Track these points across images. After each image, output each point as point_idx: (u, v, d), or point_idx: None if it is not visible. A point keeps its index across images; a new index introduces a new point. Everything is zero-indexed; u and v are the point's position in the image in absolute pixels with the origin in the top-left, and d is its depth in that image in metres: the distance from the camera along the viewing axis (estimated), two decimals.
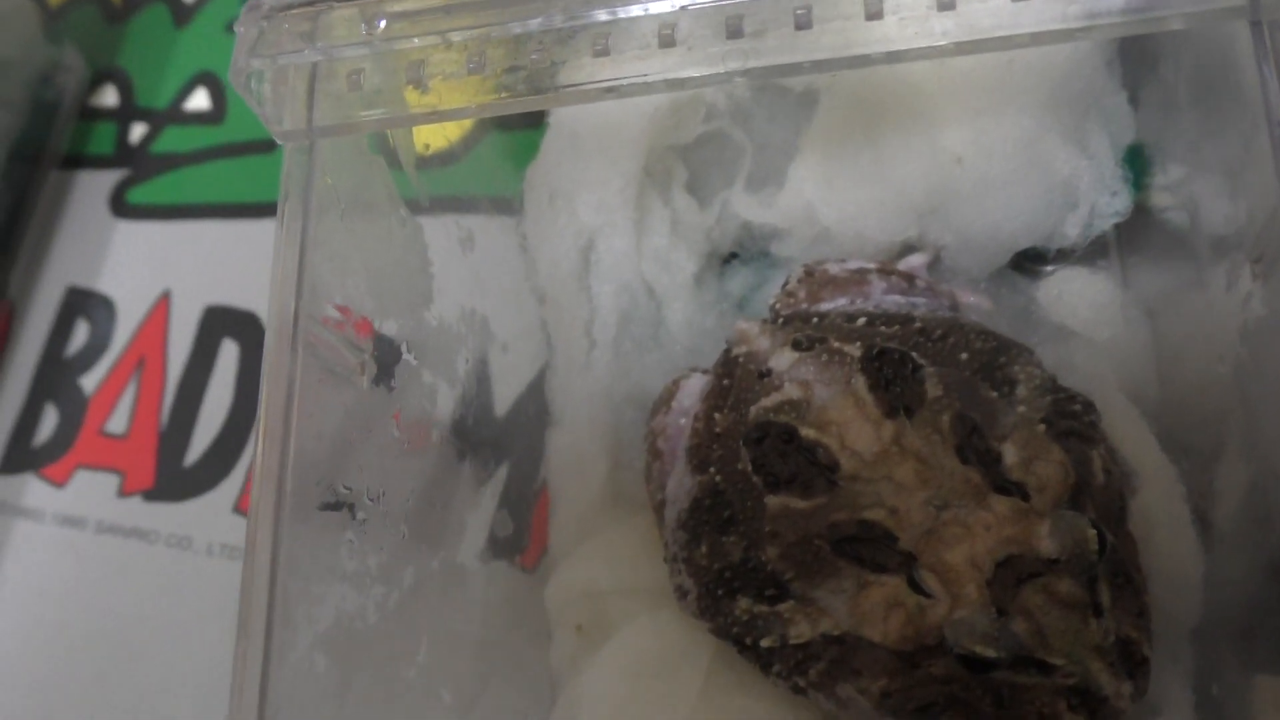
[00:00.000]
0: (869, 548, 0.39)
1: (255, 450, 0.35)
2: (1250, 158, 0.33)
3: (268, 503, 0.35)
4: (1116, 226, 0.48)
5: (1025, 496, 0.38)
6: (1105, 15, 0.33)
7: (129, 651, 0.59)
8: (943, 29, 0.33)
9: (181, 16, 0.74)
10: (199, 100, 0.71)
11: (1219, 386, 0.40)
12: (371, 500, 0.39)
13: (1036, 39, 0.33)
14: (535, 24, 0.35)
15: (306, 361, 0.36)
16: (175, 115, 0.71)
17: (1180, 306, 0.44)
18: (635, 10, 0.35)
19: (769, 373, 0.44)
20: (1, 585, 0.62)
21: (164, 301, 0.66)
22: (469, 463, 0.49)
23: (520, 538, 0.53)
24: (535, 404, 0.54)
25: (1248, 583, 0.39)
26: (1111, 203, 0.47)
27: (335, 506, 0.37)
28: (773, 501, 0.41)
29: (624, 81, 0.36)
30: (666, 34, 0.35)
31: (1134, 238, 0.49)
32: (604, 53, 0.35)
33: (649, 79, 0.35)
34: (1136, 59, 0.47)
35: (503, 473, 0.52)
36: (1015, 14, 0.33)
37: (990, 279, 0.50)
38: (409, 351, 0.43)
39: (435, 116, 0.37)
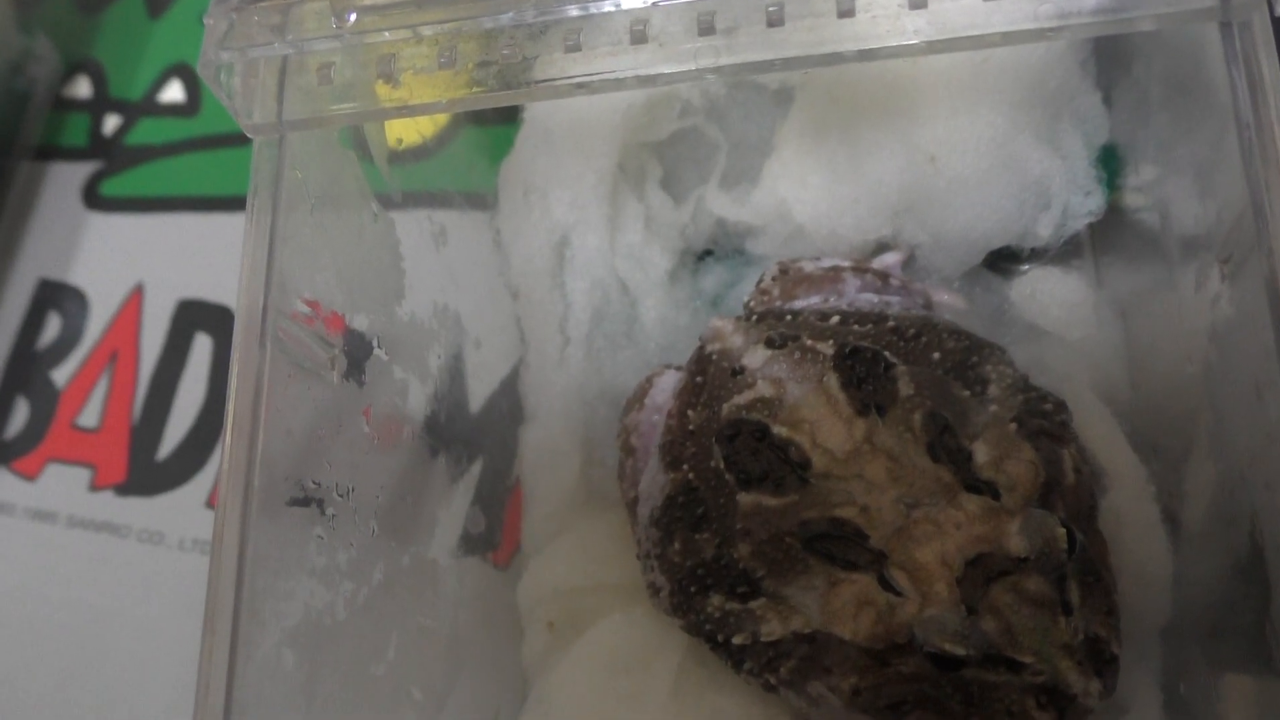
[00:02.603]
0: (840, 545, 0.39)
1: (223, 446, 0.35)
2: (1220, 159, 0.33)
3: (235, 499, 0.34)
4: (1090, 226, 0.48)
5: (996, 495, 0.38)
6: (1076, 15, 0.33)
7: (101, 646, 0.59)
8: (914, 27, 0.33)
9: (156, 7, 0.73)
10: (173, 92, 0.71)
11: (1189, 387, 0.40)
12: (341, 496, 0.39)
13: (1008, 38, 0.33)
14: (506, 19, 0.35)
15: (275, 357, 0.36)
16: (149, 107, 0.71)
17: (1152, 307, 0.44)
18: (607, 6, 0.34)
19: (742, 370, 0.44)
20: None
21: (137, 294, 0.66)
22: (442, 459, 0.49)
23: (493, 534, 0.53)
24: (509, 400, 0.54)
25: (1215, 582, 0.40)
26: (1085, 203, 0.47)
27: (304, 502, 0.37)
28: (745, 499, 0.41)
29: (596, 78, 0.35)
30: (639, 30, 0.34)
31: (1108, 237, 0.49)
32: (576, 48, 0.35)
33: (620, 75, 0.35)
34: (1111, 59, 0.47)
35: (476, 469, 0.52)
36: (987, 13, 0.33)
37: (964, 278, 0.50)
38: (380, 347, 0.42)
39: (406, 111, 0.37)
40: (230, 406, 0.35)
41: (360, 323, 0.41)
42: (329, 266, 0.39)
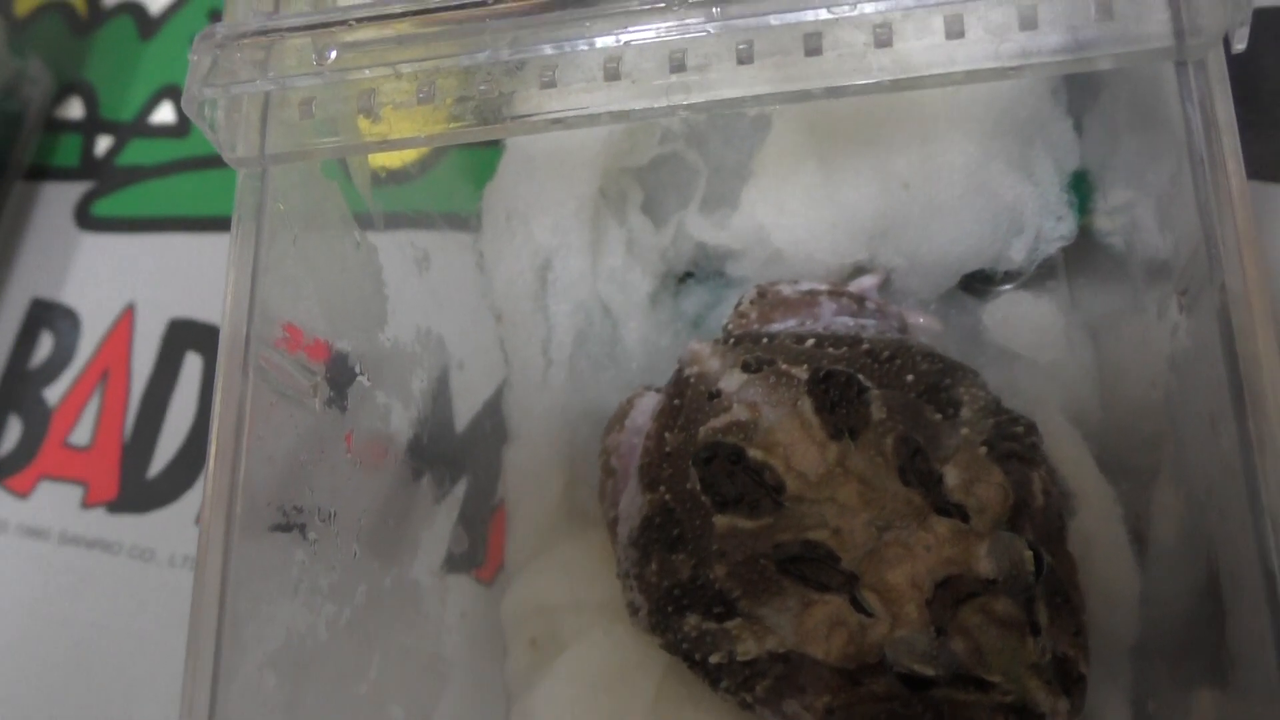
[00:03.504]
0: (812, 567, 0.40)
1: (206, 473, 0.36)
2: (1177, 192, 0.34)
3: (218, 525, 0.35)
4: (1063, 251, 0.49)
5: (965, 518, 0.39)
6: (1037, 55, 0.33)
7: (92, 661, 0.60)
8: (879, 65, 0.34)
9: (147, 29, 0.74)
10: (164, 114, 0.72)
11: (1154, 411, 0.41)
12: (323, 521, 0.40)
13: (971, 77, 0.34)
14: (483, 57, 0.35)
15: (258, 385, 0.36)
16: (140, 128, 0.71)
17: (1121, 330, 0.45)
18: (581, 45, 0.35)
19: (719, 394, 0.45)
20: None
21: (128, 314, 0.67)
22: (426, 480, 0.50)
23: (477, 552, 0.54)
24: (493, 421, 0.55)
25: (1180, 602, 0.40)
26: (1056, 227, 0.48)
27: (286, 528, 0.38)
28: (720, 521, 0.42)
29: (571, 113, 0.36)
30: (611, 67, 0.35)
31: (1080, 262, 0.50)
32: (551, 84, 0.36)
33: (594, 111, 0.36)
34: (1081, 87, 0.48)
35: (460, 489, 0.53)
36: (950, 52, 0.34)
37: (940, 300, 0.51)
38: (362, 373, 0.43)
39: (386, 145, 0.38)
40: (213, 434, 0.36)
41: (343, 349, 0.42)
42: (312, 295, 0.40)
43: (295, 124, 0.38)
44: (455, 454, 0.52)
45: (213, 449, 0.36)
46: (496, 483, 0.55)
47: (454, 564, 0.52)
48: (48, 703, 0.59)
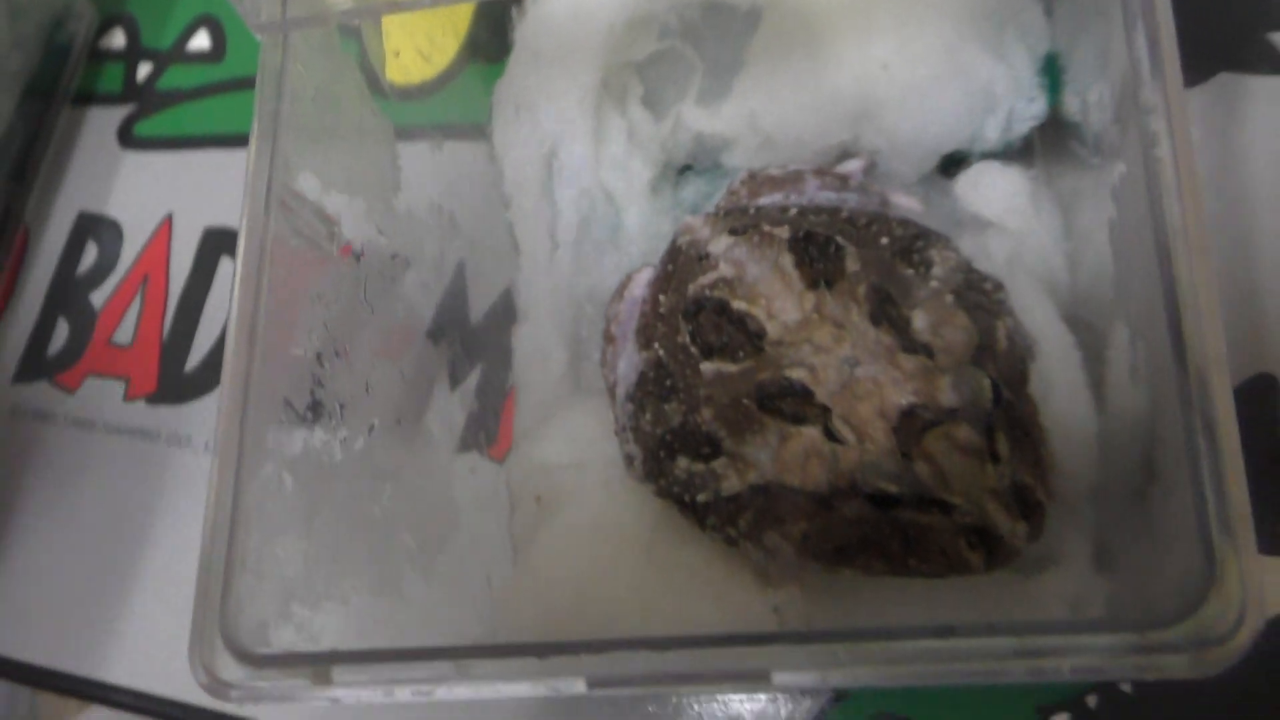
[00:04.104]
0: (790, 403, 0.43)
1: (231, 299, 0.39)
2: (1111, 30, 0.37)
3: (242, 344, 0.39)
4: (1036, 130, 0.52)
5: (931, 356, 0.42)
6: None
7: (134, 535, 0.64)
8: None
9: None
10: (200, 41, 0.76)
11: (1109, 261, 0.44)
12: (338, 356, 0.43)
13: None
14: None
15: (279, 224, 0.40)
16: (178, 55, 0.76)
17: (1086, 204, 0.48)
18: None
19: (707, 255, 0.48)
20: (19, 480, 0.67)
21: (167, 224, 0.71)
22: (443, 348, 0.53)
23: (490, 432, 0.57)
24: (505, 308, 0.58)
25: (1132, 443, 0.43)
26: (1028, 108, 0.51)
27: (303, 355, 0.41)
28: (707, 368, 0.45)
29: None
30: None
31: (1051, 142, 0.52)
32: None
33: None
34: None
35: (475, 377, 0.56)
36: None
37: (921, 183, 0.54)
38: (381, 233, 0.47)
39: (396, 6, 0.41)
40: (239, 264, 0.40)
41: (358, 206, 0.45)
42: (329, 150, 0.43)
43: None
44: (471, 334, 0.55)
45: (238, 276, 0.39)
46: (509, 371, 0.58)
47: (466, 444, 0.55)
48: (93, 574, 0.64)
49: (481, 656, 0.35)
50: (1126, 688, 0.50)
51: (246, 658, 0.36)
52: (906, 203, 0.53)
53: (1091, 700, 0.50)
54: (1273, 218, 0.53)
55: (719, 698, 0.52)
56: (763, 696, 0.53)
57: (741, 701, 0.52)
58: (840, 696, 0.53)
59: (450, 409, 0.55)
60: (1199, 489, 0.30)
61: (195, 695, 0.58)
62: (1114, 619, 0.31)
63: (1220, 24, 0.56)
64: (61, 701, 0.67)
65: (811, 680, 0.33)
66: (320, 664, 0.35)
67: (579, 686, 0.34)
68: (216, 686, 0.36)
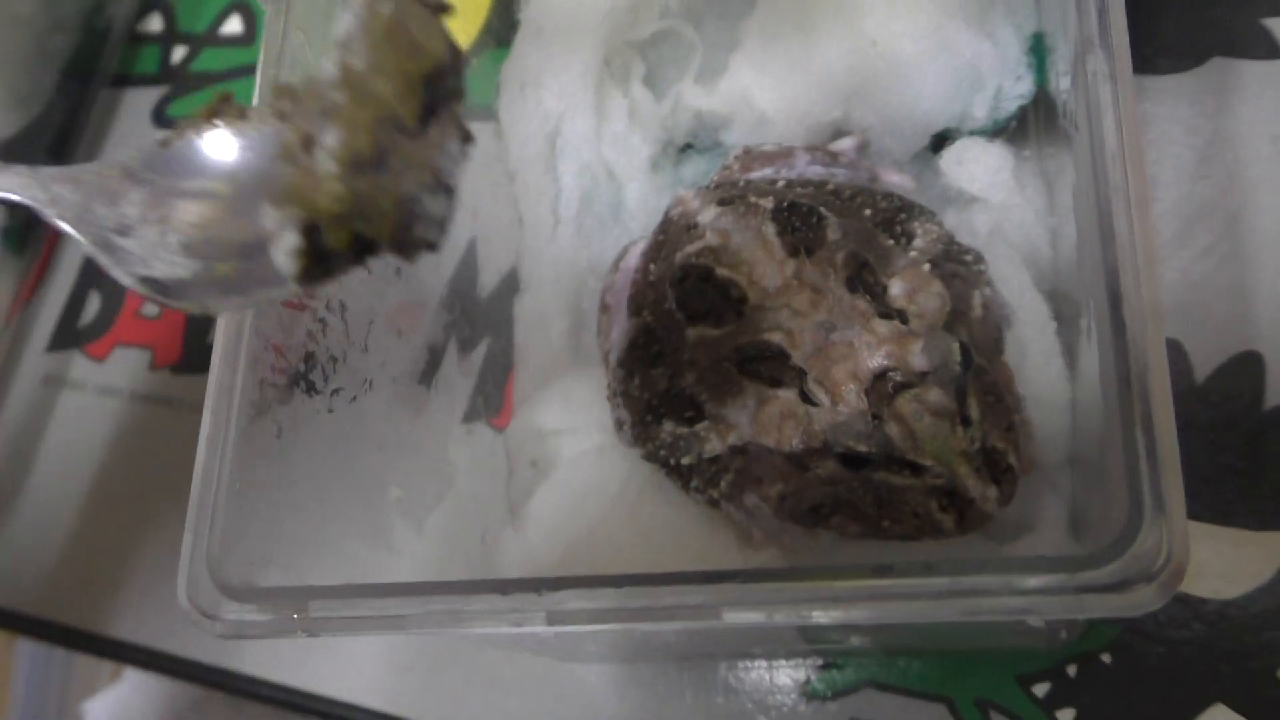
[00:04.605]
0: (768, 365, 0.44)
1: None
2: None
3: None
4: (1023, 109, 0.53)
5: (905, 321, 0.43)
6: None
7: (157, 497, 0.67)
8: None
9: None
10: (233, 25, 0.79)
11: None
12: (332, 313, 0.45)
13: None
14: None
15: None
16: (211, 38, 0.79)
17: (1068, 174, 0.49)
18: None
19: (695, 225, 0.49)
20: (49, 445, 0.70)
21: None
22: (444, 319, 0.55)
23: (492, 403, 0.59)
24: (514, 286, 0.60)
25: (1095, 407, 0.43)
26: (1016, 86, 0.52)
27: (300, 309, 0.43)
28: (692, 333, 0.47)
29: None
30: None
31: (1045, 120, 0.53)
32: None
33: None
34: None
35: (484, 343, 0.58)
36: None
37: (913, 161, 0.55)
38: None
39: None
40: None
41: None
42: None
43: None
44: (479, 315, 0.57)
45: None
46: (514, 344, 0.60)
47: (472, 414, 0.57)
48: (120, 534, 0.67)
49: (448, 593, 0.36)
50: (1106, 658, 0.50)
51: (229, 591, 0.38)
52: (897, 179, 0.54)
53: (1071, 669, 0.51)
54: (1263, 199, 0.54)
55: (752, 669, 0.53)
56: (760, 664, 0.54)
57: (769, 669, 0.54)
58: (827, 665, 0.54)
59: (455, 378, 0.57)
60: (1129, 434, 0.31)
61: (225, 658, 0.61)
62: (1047, 559, 0.31)
63: (1214, 9, 0.57)
64: (96, 664, 0.70)
65: (759, 618, 0.34)
66: (298, 598, 0.37)
67: (540, 621, 0.36)
68: (200, 619, 0.38)
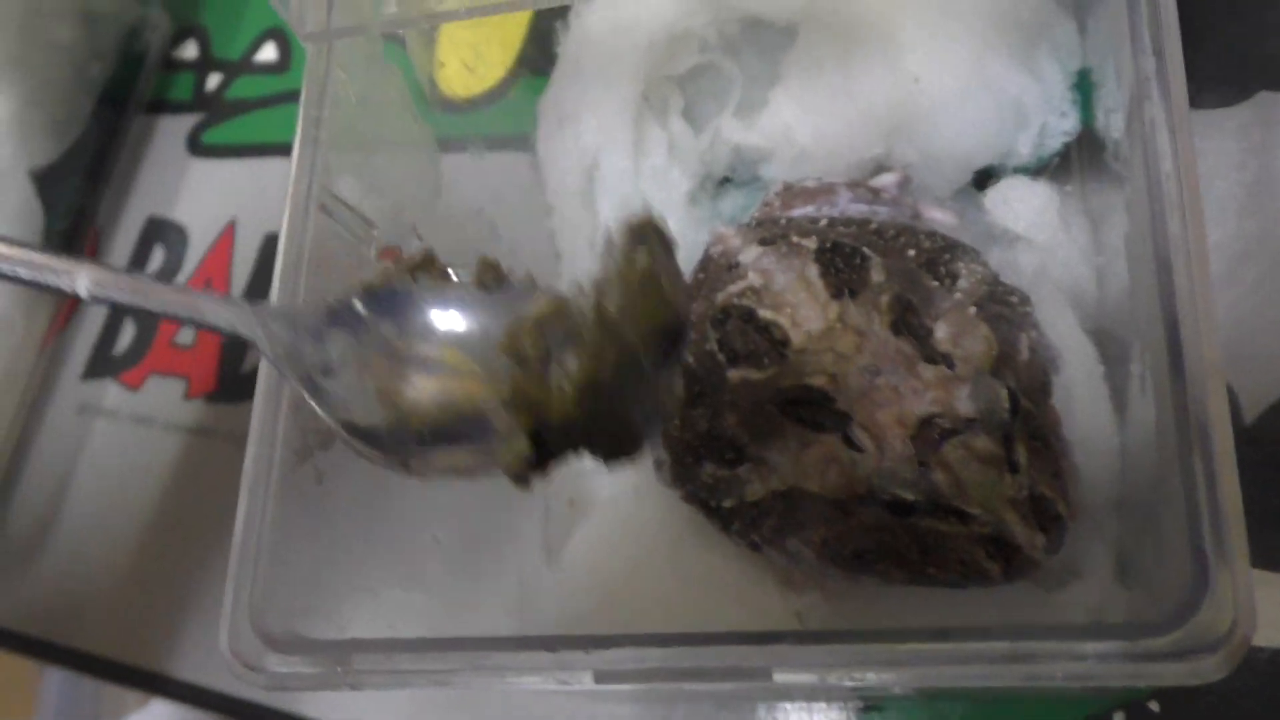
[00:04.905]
0: (810, 410, 0.43)
1: (270, 295, 0.41)
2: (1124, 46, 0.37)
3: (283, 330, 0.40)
4: (1068, 146, 0.52)
5: (951, 366, 0.42)
6: None
7: (191, 531, 0.66)
8: None
9: None
10: (268, 53, 0.79)
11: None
12: None
13: None
14: None
15: (319, 220, 0.42)
16: (246, 66, 0.79)
17: (1116, 213, 0.48)
18: None
19: (737, 265, 0.49)
20: (82, 474, 0.70)
21: (230, 229, 0.73)
22: None
23: None
24: None
25: (1149, 454, 0.43)
26: (1060, 123, 0.51)
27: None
28: (733, 375, 0.46)
29: None
30: None
31: (1089, 157, 0.52)
32: None
33: None
34: None
35: None
36: None
37: (955, 198, 0.54)
38: (418, 236, 0.48)
39: (435, 18, 0.43)
40: (279, 262, 0.41)
41: (398, 210, 0.47)
42: (371, 153, 0.45)
43: (359, 2, 0.43)
44: None
45: (280, 262, 0.41)
46: None
47: None
48: (157, 567, 0.66)
49: (495, 649, 0.36)
50: (1154, 706, 0.50)
51: (272, 642, 0.37)
52: (940, 216, 0.54)
53: (1119, 717, 0.50)
54: None
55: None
56: (800, 705, 0.54)
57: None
58: (868, 707, 0.54)
59: None
60: (1192, 498, 0.31)
61: (256, 692, 0.61)
62: (1108, 626, 0.31)
63: (1260, 43, 0.56)
64: (123, 694, 0.70)
65: (811, 679, 0.33)
66: (343, 652, 0.37)
67: (587, 680, 0.35)
68: (244, 671, 0.38)
